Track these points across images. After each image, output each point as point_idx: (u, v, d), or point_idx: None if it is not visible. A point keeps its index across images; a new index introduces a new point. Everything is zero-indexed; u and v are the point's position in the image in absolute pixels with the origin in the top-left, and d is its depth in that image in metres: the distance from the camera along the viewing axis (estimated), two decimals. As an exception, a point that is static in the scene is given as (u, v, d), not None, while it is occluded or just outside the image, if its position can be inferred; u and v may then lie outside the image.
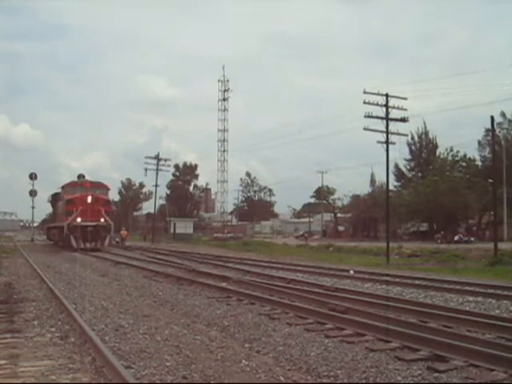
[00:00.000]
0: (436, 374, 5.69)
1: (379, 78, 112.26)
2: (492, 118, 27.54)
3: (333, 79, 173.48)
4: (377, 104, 26.95)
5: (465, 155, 54.07)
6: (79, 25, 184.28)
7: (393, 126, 27.41)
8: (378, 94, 26.99)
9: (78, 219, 31.85)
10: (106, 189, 37.36)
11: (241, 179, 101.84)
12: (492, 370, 5.76)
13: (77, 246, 31.22)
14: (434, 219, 53.51)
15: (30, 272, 17.35)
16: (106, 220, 33.09)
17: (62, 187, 36.97)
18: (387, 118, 27.09)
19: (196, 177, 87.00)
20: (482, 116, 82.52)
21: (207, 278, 15.45)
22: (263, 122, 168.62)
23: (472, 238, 42.81)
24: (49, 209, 51.65)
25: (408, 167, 63.55)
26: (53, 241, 42.55)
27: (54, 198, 41.92)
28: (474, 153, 55.98)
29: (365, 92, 26.69)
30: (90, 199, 32.73)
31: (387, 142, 27.22)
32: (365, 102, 26.71)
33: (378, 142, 27.41)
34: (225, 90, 70.85)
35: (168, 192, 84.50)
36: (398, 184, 63.60)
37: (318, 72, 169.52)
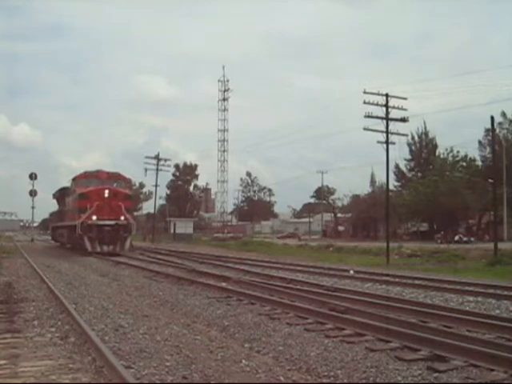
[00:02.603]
0: (436, 374, 5.69)
1: (379, 78, 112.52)
2: (492, 118, 27.55)
3: (333, 79, 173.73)
4: (377, 104, 26.94)
5: (465, 155, 54.17)
6: (79, 25, 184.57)
7: (393, 126, 27.42)
8: (378, 94, 27.00)
9: (94, 217, 26.86)
10: (125, 181, 32.08)
11: (241, 179, 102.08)
12: (492, 370, 5.76)
13: (91, 249, 26.60)
14: (434, 219, 53.58)
15: (30, 272, 17.33)
16: (126, 218, 27.94)
17: (73, 179, 31.29)
18: (387, 118, 27.08)
19: (196, 177, 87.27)
20: (482, 116, 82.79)
21: (207, 278, 15.45)
22: (263, 122, 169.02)
23: (472, 238, 42.83)
24: (50, 208, 50.26)
25: (408, 167, 63.68)
26: (59, 242, 38.87)
27: (62, 194, 36.55)
28: (474, 153, 56.12)
29: (365, 92, 26.70)
30: (107, 193, 27.64)
31: (387, 142, 27.21)
32: (365, 102, 26.71)
33: (378, 141, 27.43)
34: (225, 90, 71.13)
35: (168, 192, 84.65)
36: (398, 184, 63.74)
37: (318, 72, 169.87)
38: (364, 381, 5.54)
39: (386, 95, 27.14)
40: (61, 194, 37.05)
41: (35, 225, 79.35)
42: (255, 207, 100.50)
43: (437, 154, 59.22)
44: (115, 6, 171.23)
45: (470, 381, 5.52)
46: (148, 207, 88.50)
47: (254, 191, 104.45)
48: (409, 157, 62.12)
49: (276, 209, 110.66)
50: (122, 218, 27.63)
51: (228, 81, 71.60)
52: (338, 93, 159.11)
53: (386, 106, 27.03)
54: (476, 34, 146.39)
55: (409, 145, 60.44)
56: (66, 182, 36.40)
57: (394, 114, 27.27)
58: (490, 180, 38.32)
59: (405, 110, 27.50)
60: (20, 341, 6.95)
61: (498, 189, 35.47)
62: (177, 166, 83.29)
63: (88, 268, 19.45)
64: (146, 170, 54.75)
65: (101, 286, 13.59)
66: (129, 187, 33.40)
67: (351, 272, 17.66)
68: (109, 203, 27.40)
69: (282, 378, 5.54)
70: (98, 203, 27.03)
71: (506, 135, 53.44)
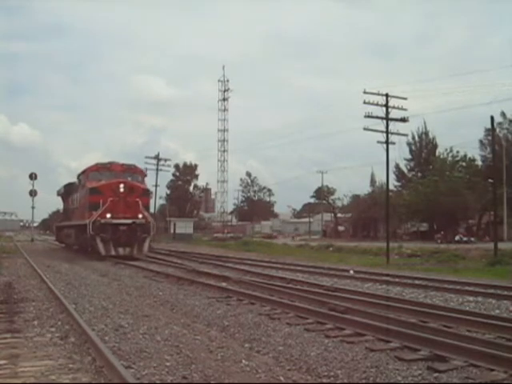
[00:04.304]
0: (436, 374, 5.69)
1: (379, 78, 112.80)
2: (492, 117, 27.57)
3: (333, 79, 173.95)
4: (377, 104, 26.95)
5: (465, 155, 54.17)
6: (78, 25, 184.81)
7: (393, 126, 27.44)
8: (378, 94, 27.00)
9: (108, 215, 23.63)
10: (142, 174, 28.26)
11: (241, 179, 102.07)
12: (492, 370, 5.76)
13: (105, 252, 23.40)
14: (434, 219, 53.52)
15: (30, 272, 17.33)
16: (144, 216, 24.58)
17: (83, 172, 27.61)
18: (387, 118, 27.08)
19: (196, 177, 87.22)
20: (482, 116, 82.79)
21: (207, 278, 15.45)
22: (263, 121, 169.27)
23: (472, 238, 42.82)
24: (50, 207, 49.47)
25: (408, 167, 63.68)
26: (64, 243, 35.53)
27: (68, 190, 32.88)
28: (474, 153, 56.15)
29: (365, 92, 26.71)
30: (122, 188, 24.29)
31: (387, 142, 27.21)
32: (365, 102, 26.72)
33: (378, 142, 27.43)
34: (225, 90, 71.12)
35: (168, 192, 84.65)
36: (398, 184, 63.73)
37: (317, 72, 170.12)
38: (364, 381, 5.53)
39: (386, 95, 27.14)
40: (67, 191, 33.60)
41: (35, 225, 79.29)
42: (255, 207, 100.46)
43: (437, 154, 59.20)
44: (115, 6, 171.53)
45: (470, 381, 5.52)
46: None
47: (254, 191, 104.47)
48: (409, 157, 62.21)
49: (276, 209, 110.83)
50: (140, 216, 24.37)
51: (228, 81, 71.60)
52: (338, 93, 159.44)
53: (386, 106, 27.03)
54: (476, 33, 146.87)
55: (409, 145, 60.56)
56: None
57: (393, 113, 27.31)
58: (490, 180, 38.31)
59: (405, 110, 27.54)
60: (20, 341, 6.94)
61: (497, 189, 35.46)
62: (177, 166, 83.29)
63: (88, 268, 19.44)
64: (145, 169, 54.46)
65: (101, 286, 13.58)
66: (145, 181, 29.39)
67: (351, 272, 17.65)
68: (124, 199, 24.16)
69: (282, 378, 5.54)
70: (112, 199, 23.83)
71: (506, 135, 53.41)
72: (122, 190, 24.25)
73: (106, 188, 24.39)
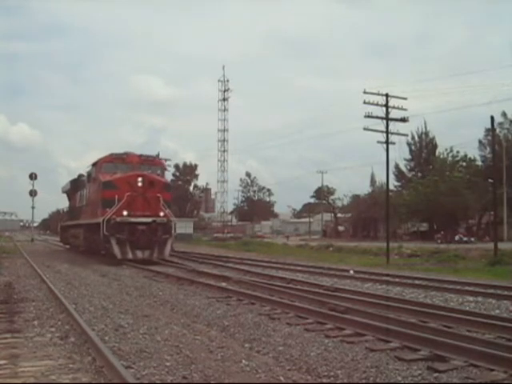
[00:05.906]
0: (436, 374, 5.68)
1: (379, 78, 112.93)
2: (492, 117, 27.53)
3: (333, 79, 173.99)
4: (377, 104, 26.93)
5: (465, 155, 54.22)
6: (78, 25, 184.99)
7: (393, 126, 27.42)
8: (378, 94, 26.98)
9: (124, 213, 20.81)
10: (161, 166, 25.49)
11: (241, 179, 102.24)
12: (492, 370, 5.75)
13: (122, 255, 20.68)
14: (434, 219, 53.59)
15: (29, 272, 17.33)
16: (166, 215, 21.78)
17: (94, 164, 24.32)
18: (387, 118, 27.06)
19: (196, 177, 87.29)
20: (482, 116, 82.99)
21: (207, 278, 15.45)
22: (263, 122, 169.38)
23: (472, 238, 42.83)
24: (50, 207, 49.05)
25: (408, 167, 63.78)
26: (70, 245, 32.42)
27: (75, 186, 29.74)
28: (474, 153, 56.26)
29: (365, 92, 26.68)
30: (141, 181, 21.44)
31: (387, 142, 27.19)
32: (365, 102, 26.69)
33: (378, 141, 27.41)
34: (225, 90, 71.09)
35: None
36: (398, 184, 63.81)
37: (317, 72, 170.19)
38: (364, 381, 5.53)
39: (386, 95, 27.12)
40: (74, 187, 30.38)
41: (35, 225, 79.32)
42: (255, 207, 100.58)
43: (437, 154, 59.28)
44: (115, 6, 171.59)
45: (470, 381, 5.51)
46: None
47: (254, 191, 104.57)
48: (409, 157, 62.33)
49: (276, 209, 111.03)
50: (161, 213, 21.60)
51: (228, 81, 71.59)
52: (338, 93, 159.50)
53: (386, 106, 27.01)
54: (476, 33, 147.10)
55: (409, 145, 60.68)
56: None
57: (393, 113, 27.27)
58: (490, 180, 38.33)
59: (405, 110, 27.50)
60: (20, 341, 6.94)
61: (497, 189, 35.49)
62: (177, 166, 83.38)
63: (88, 268, 19.42)
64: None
65: (101, 286, 13.58)
66: (166, 175, 26.36)
67: (351, 272, 17.65)
68: (143, 195, 21.38)
69: (282, 378, 5.53)
70: (129, 194, 20.99)
71: (507, 135, 53.46)
72: (140, 184, 21.43)
73: (122, 182, 21.50)
